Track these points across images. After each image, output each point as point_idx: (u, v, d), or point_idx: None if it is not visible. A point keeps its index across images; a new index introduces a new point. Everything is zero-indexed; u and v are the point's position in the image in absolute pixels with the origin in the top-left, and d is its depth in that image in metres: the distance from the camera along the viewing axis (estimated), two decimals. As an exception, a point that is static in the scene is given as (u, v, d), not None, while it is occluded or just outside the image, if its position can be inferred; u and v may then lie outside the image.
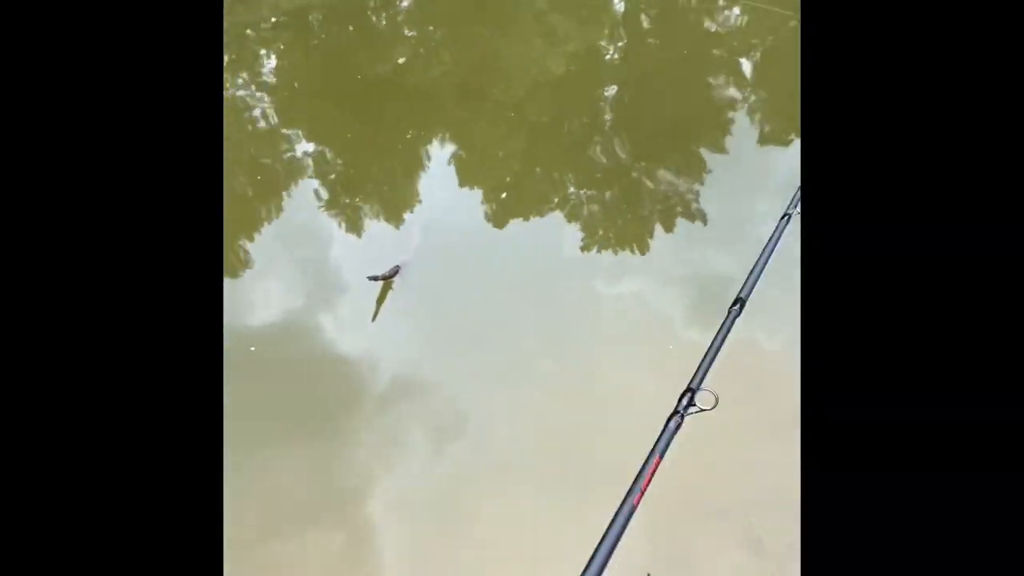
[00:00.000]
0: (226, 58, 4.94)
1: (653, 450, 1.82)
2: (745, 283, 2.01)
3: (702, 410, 1.88)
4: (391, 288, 3.83)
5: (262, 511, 2.98)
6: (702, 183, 4.42)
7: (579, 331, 3.65)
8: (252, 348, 3.57)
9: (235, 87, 4.83)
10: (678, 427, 1.85)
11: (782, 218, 2.12)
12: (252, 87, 4.88)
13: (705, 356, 1.92)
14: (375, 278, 3.76)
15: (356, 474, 3.08)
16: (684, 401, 1.88)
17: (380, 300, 3.79)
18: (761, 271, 2.01)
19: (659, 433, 1.85)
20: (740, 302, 1.99)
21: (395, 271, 3.84)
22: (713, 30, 5.36)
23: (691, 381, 1.91)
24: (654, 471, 1.79)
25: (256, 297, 3.83)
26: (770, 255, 2.05)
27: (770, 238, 2.09)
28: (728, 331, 1.94)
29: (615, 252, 4.06)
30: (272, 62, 5.01)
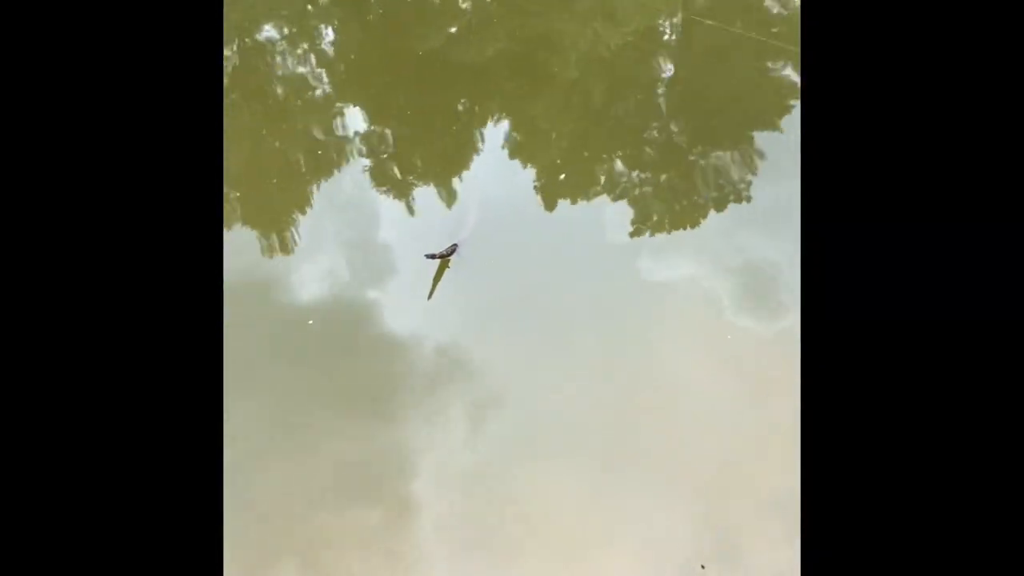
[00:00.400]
0: (285, 31, 5.01)
1: None
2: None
3: None
4: (448, 267, 3.95)
5: (307, 478, 3.19)
6: (756, 169, 4.34)
7: (627, 313, 3.71)
8: (310, 322, 3.77)
9: (294, 61, 4.91)
10: None
11: None
12: (311, 61, 4.96)
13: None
14: (433, 256, 3.85)
15: (400, 446, 3.26)
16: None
17: (437, 278, 3.91)
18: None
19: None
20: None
21: (452, 250, 3.93)
22: (775, 12, 5.11)
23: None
24: None
25: (312, 272, 3.94)
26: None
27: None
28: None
29: (667, 235, 4.07)
30: (329, 36, 5.07)
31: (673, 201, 4.22)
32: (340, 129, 4.63)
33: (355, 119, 4.67)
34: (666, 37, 5.10)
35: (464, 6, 5.21)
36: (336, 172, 4.44)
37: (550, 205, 4.25)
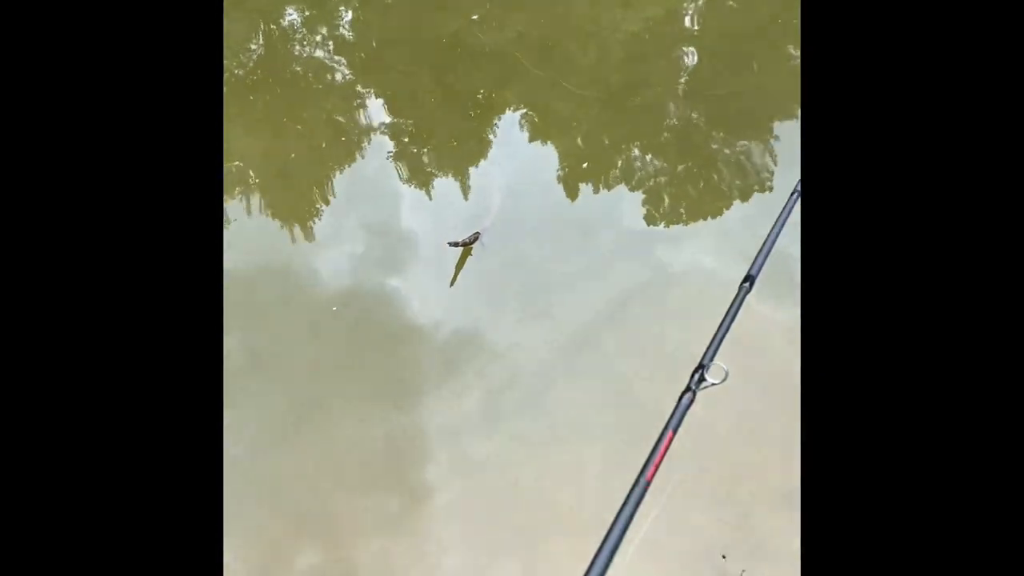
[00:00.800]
0: (306, 15, 5.07)
1: (666, 426, 1.92)
2: (755, 260, 2.06)
3: (713, 384, 1.97)
4: (470, 254, 3.97)
5: (324, 462, 3.25)
6: (778, 158, 4.31)
7: (646, 304, 3.71)
8: (334, 308, 3.79)
9: (314, 45, 4.97)
10: (691, 403, 1.95)
11: (792, 194, 2.14)
12: (330, 45, 5.00)
13: (716, 333, 1.98)
14: (455, 244, 3.91)
15: (418, 430, 3.31)
16: (696, 377, 1.97)
17: (459, 266, 3.95)
18: (771, 248, 2.06)
19: (672, 409, 1.94)
20: (750, 279, 2.05)
21: (475, 237, 3.97)
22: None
23: (702, 357, 1.99)
24: (667, 446, 1.90)
25: (333, 258, 4.00)
26: (780, 231, 2.08)
27: (780, 214, 2.12)
28: (739, 308, 2.00)
29: (688, 225, 4.05)
30: (349, 19, 5.12)
31: (694, 190, 4.20)
32: (361, 116, 4.68)
33: (376, 106, 4.71)
34: (687, 23, 5.09)
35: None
36: (359, 159, 4.50)
37: (571, 193, 4.26)
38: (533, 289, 3.86)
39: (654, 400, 3.35)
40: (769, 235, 2.06)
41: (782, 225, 2.09)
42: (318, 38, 4.96)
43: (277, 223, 4.19)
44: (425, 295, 3.87)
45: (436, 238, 3.96)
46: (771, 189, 4.17)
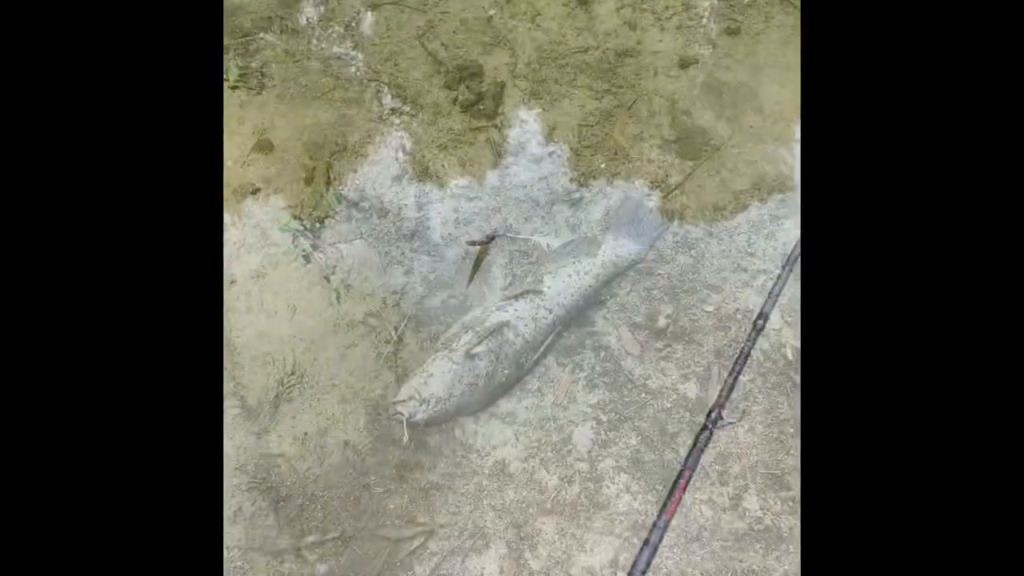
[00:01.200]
0: (322, 9, 5.04)
1: (684, 466, 1.98)
2: (767, 299, 2.10)
3: (730, 423, 2.03)
4: (487, 254, 3.97)
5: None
6: (791, 154, 4.26)
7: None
8: (347, 305, 3.82)
9: (330, 41, 4.93)
10: (707, 442, 2.01)
11: (796, 245, 2.16)
12: (347, 42, 4.96)
13: (731, 372, 2.03)
14: (474, 243, 3.92)
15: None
16: (712, 415, 2.03)
17: (476, 265, 3.95)
18: (782, 287, 2.10)
19: (688, 449, 2.00)
20: (763, 317, 2.09)
21: (492, 237, 3.97)
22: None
23: (718, 396, 2.04)
24: (686, 486, 1.97)
25: (345, 255, 3.98)
26: (790, 271, 2.12)
27: (788, 256, 2.15)
28: (752, 346, 2.04)
29: (702, 222, 4.02)
30: (366, 17, 5.08)
31: (707, 186, 4.17)
32: (373, 111, 4.63)
33: (387, 100, 4.66)
34: (703, 24, 5.02)
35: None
36: (371, 155, 4.44)
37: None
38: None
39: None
40: (779, 277, 2.09)
41: (791, 267, 2.12)
42: (333, 35, 4.92)
43: (289, 219, 4.16)
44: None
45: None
46: (773, 174, 4.15)
